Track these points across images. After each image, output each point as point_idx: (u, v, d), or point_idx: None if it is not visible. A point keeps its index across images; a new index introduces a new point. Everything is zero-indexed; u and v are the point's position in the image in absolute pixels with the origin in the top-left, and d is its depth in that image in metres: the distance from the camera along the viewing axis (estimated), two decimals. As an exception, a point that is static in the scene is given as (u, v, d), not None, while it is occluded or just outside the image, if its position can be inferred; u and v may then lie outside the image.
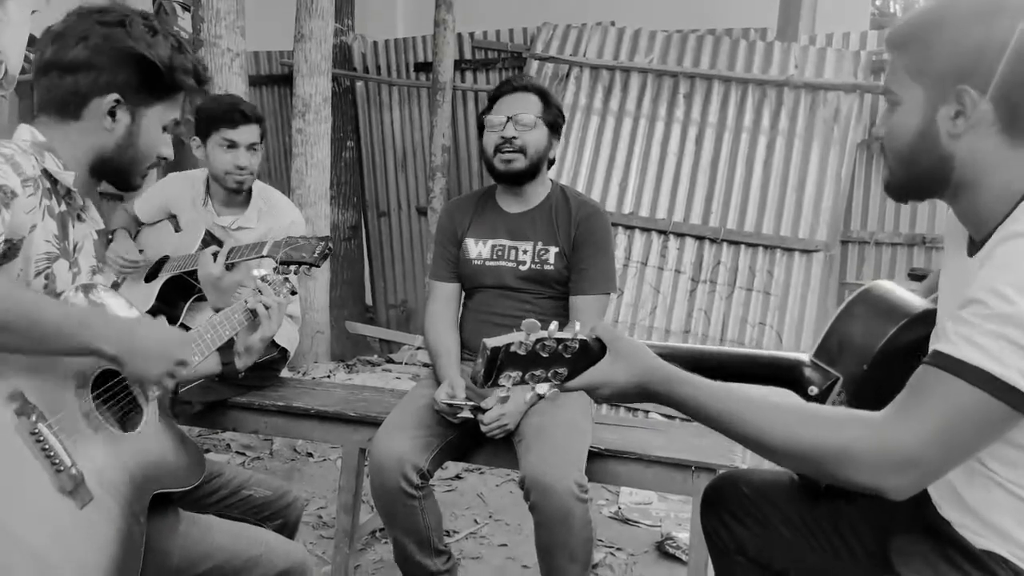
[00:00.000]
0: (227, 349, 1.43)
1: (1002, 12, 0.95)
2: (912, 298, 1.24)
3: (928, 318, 1.15)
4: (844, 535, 1.25)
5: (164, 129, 1.26)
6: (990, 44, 0.94)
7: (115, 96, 1.18)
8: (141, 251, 2.30)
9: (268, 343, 1.49)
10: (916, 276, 3.25)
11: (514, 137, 1.97)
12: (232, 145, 2.20)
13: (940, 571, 1.03)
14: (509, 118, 1.98)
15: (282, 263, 1.69)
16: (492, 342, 0.98)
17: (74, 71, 1.16)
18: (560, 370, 1.03)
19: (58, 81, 1.17)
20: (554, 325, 1.02)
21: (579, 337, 1.02)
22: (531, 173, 2.01)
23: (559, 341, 1.01)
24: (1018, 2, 0.95)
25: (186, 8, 3.80)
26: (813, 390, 1.20)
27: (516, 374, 1.00)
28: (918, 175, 1.04)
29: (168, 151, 1.29)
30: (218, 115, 2.20)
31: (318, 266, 1.73)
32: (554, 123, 2.03)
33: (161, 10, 3.71)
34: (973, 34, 0.95)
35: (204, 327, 1.36)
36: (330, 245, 1.76)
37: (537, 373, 1.02)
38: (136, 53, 1.17)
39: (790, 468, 1.10)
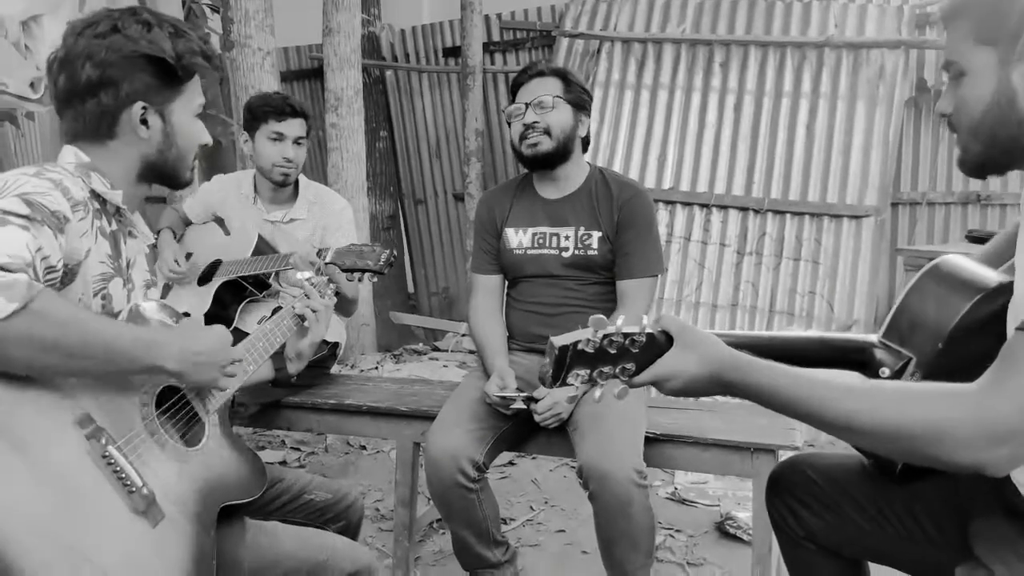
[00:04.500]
0: (278, 355, 1.45)
1: None
2: (984, 271, 1.18)
3: (1004, 290, 1.10)
4: (919, 519, 1.21)
5: (196, 118, 1.26)
6: None
7: (141, 104, 1.18)
8: (189, 254, 2.34)
9: (317, 345, 1.50)
10: (976, 239, 3.14)
11: (536, 121, 1.95)
12: (279, 137, 2.24)
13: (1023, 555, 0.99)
14: (528, 104, 1.96)
15: (347, 270, 1.70)
16: (560, 340, 0.96)
17: (94, 93, 1.16)
18: (628, 365, 1.00)
19: (82, 107, 1.17)
20: (620, 320, 1.00)
21: (647, 330, 1.00)
22: (561, 154, 1.98)
23: (626, 336, 0.98)
24: None
25: (215, 10, 3.83)
26: (885, 372, 1.16)
27: (584, 372, 0.98)
28: (999, 146, 0.99)
29: (207, 137, 1.29)
30: (267, 109, 2.25)
31: (383, 274, 1.75)
32: (578, 101, 1.99)
33: (191, 13, 3.73)
34: None
35: (256, 336, 1.37)
36: (395, 253, 1.78)
37: (605, 370, 0.99)
38: (142, 54, 1.16)
39: (881, 452, 1.05)
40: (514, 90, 2.04)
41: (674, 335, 1.01)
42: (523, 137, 1.98)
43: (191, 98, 1.24)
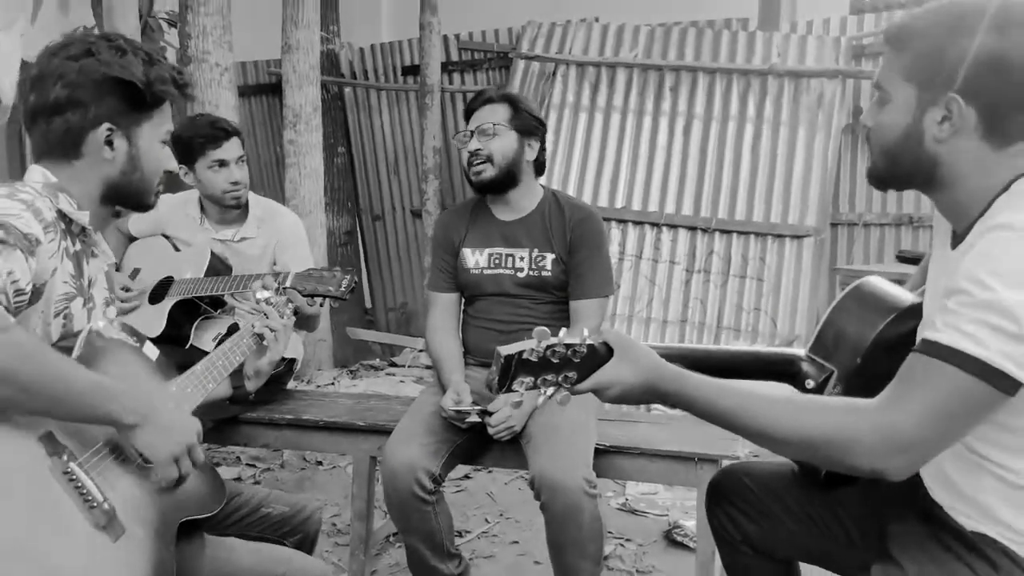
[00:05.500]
0: (236, 373, 1.47)
1: (986, 24, 0.98)
2: (900, 292, 1.29)
3: (916, 311, 1.21)
4: (843, 522, 1.31)
5: (164, 144, 1.29)
6: (977, 55, 0.98)
7: (107, 125, 1.21)
8: (137, 269, 2.32)
9: (276, 363, 1.53)
10: (905, 259, 3.32)
11: (479, 149, 2.02)
12: (223, 164, 2.22)
13: (933, 554, 1.09)
14: (472, 132, 2.04)
15: (308, 295, 1.72)
16: (505, 350, 1.03)
17: (61, 111, 1.19)
18: (570, 374, 1.07)
19: (49, 125, 1.20)
20: (563, 332, 1.07)
21: (587, 342, 1.07)
22: (507, 180, 2.04)
23: (568, 346, 1.06)
24: (999, 15, 0.99)
25: (172, 24, 3.82)
26: (810, 383, 1.25)
27: (529, 379, 1.05)
28: (901, 170, 1.09)
29: (172, 164, 1.31)
30: (200, 138, 2.21)
31: (345, 299, 1.77)
32: (525, 127, 2.05)
33: (147, 27, 3.72)
34: (964, 43, 0.99)
35: (215, 355, 1.40)
36: (356, 278, 1.80)
37: (548, 378, 1.06)
38: (112, 77, 1.19)
39: (795, 458, 1.15)
40: (467, 116, 2.11)
41: (614, 347, 1.09)
42: (469, 163, 2.05)
43: (159, 124, 1.27)
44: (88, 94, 1.19)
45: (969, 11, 1.00)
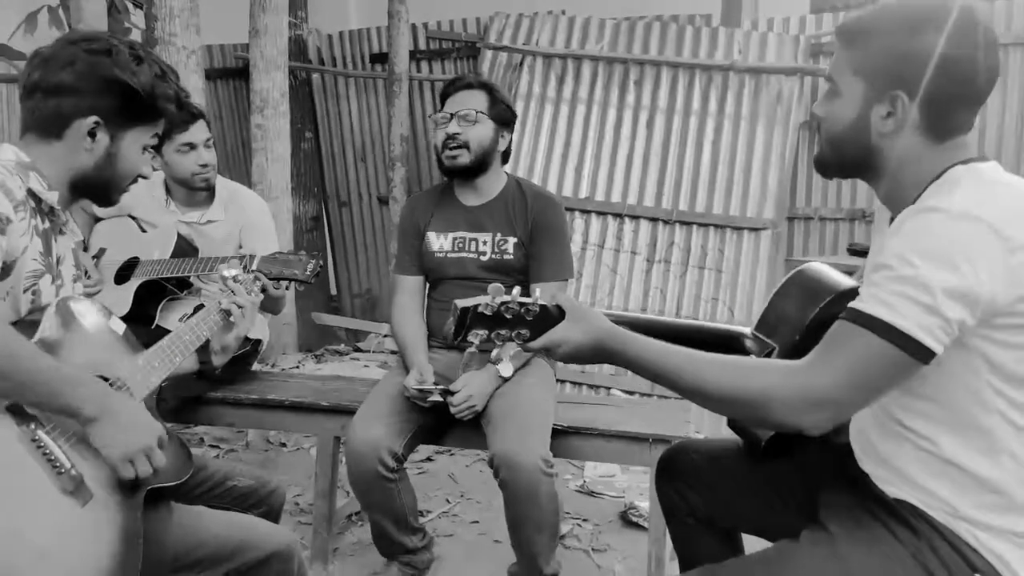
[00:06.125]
0: (203, 349, 1.51)
1: (932, 26, 1.06)
2: (840, 277, 1.38)
3: (852, 294, 1.29)
4: (781, 491, 1.39)
5: (144, 150, 1.32)
6: (922, 55, 1.06)
7: (95, 118, 1.24)
8: (103, 249, 2.32)
9: (242, 340, 1.57)
10: (855, 251, 3.46)
11: (457, 133, 2.05)
12: (191, 147, 2.23)
13: (859, 520, 1.17)
14: (453, 115, 2.06)
15: (273, 279, 1.75)
16: (462, 303, 1.11)
17: (58, 94, 1.22)
18: (523, 331, 1.15)
19: (42, 103, 1.23)
20: (516, 290, 1.14)
21: (540, 302, 1.15)
22: (478, 167, 2.09)
23: (521, 304, 1.13)
24: (944, 18, 1.06)
25: (138, 5, 3.77)
26: (753, 359, 1.34)
27: (483, 332, 1.12)
28: (846, 160, 1.17)
29: (147, 170, 1.35)
30: (167, 123, 2.23)
31: (310, 283, 1.80)
32: (501, 117, 2.10)
33: (113, 7, 3.67)
34: (911, 43, 1.06)
35: (182, 329, 1.43)
36: (321, 262, 1.83)
37: (503, 332, 1.14)
38: (120, 80, 1.23)
39: (726, 413, 1.22)
40: (443, 98, 2.13)
41: (566, 309, 1.16)
42: (445, 146, 2.08)
43: (147, 134, 1.31)
44: (90, 86, 1.23)
45: (920, 14, 1.08)
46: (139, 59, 1.26)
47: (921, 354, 1.01)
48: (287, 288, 1.86)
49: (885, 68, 1.08)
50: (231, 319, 1.52)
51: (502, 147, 2.14)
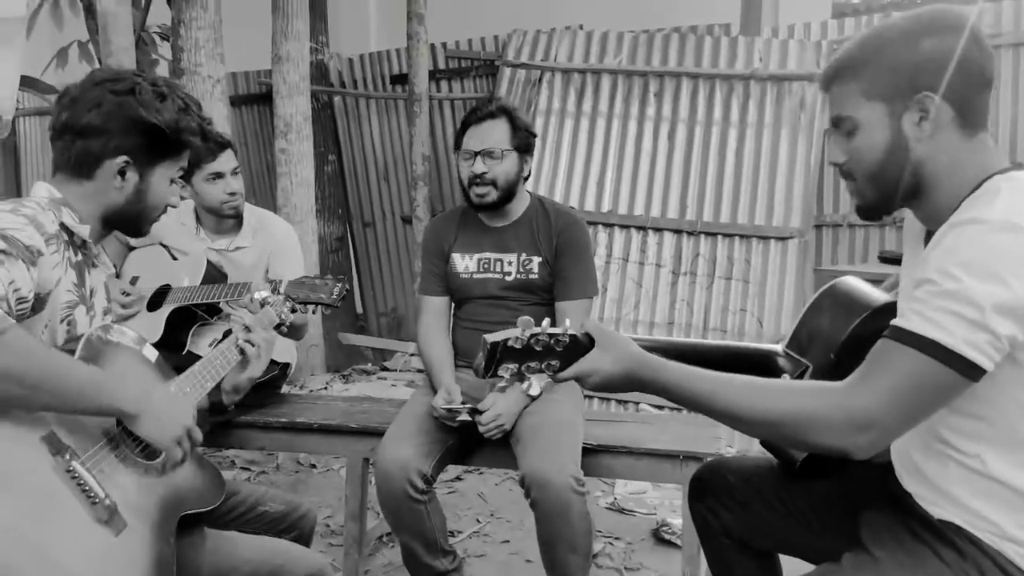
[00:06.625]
0: (215, 387, 1.49)
1: (945, 26, 1.07)
2: (874, 292, 1.35)
3: (889, 310, 1.26)
4: (819, 511, 1.36)
5: (172, 182, 1.35)
6: (939, 53, 1.06)
7: (124, 158, 1.27)
8: (136, 277, 2.37)
9: (254, 381, 1.55)
10: (887, 259, 3.39)
11: (484, 172, 2.05)
12: (219, 176, 2.28)
13: (902, 541, 1.14)
14: (477, 153, 2.06)
15: (301, 303, 1.76)
16: (491, 338, 1.09)
17: (87, 136, 1.26)
18: (553, 362, 1.13)
19: (72, 144, 1.26)
20: (546, 322, 1.13)
21: (569, 332, 1.13)
22: (506, 200, 2.10)
23: (551, 336, 1.12)
24: (952, 17, 1.08)
25: (164, 37, 3.86)
26: (786, 378, 1.31)
27: (513, 366, 1.11)
28: (890, 187, 1.12)
29: (176, 200, 1.38)
30: (196, 155, 2.25)
31: (337, 307, 1.81)
32: (523, 145, 2.09)
33: (140, 40, 3.76)
34: (924, 47, 1.06)
35: (199, 366, 1.43)
36: (348, 286, 1.84)
37: (532, 365, 1.12)
38: (145, 120, 1.26)
39: (765, 438, 1.19)
40: (464, 127, 2.12)
41: (595, 337, 1.14)
42: (471, 182, 2.08)
43: (174, 165, 1.35)
44: (117, 127, 1.26)
45: (918, 24, 1.08)
46: (162, 96, 1.29)
47: (970, 372, 0.98)
48: (314, 312, 1.87)
49: (901, 78, 1.07)
50: (246, 358, 1.51)
51: (525, 173, 2.14)
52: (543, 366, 1.12)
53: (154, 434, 1.21)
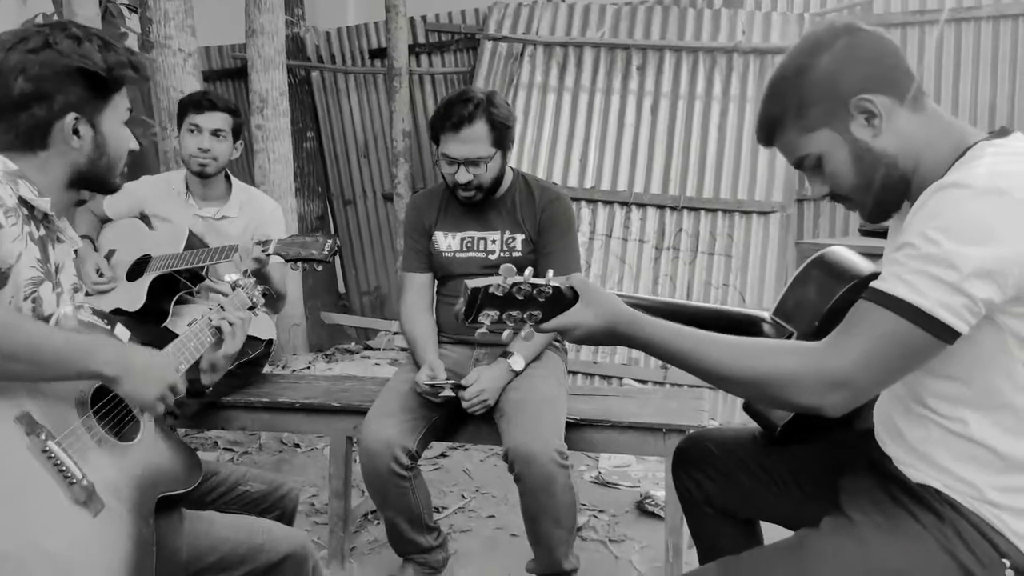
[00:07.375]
0: (192, 367, 1.46)
1: (826, 38, 1.11)
2: (863, 262, 1.35)
3: (875, 279, 1.26)
4: (798, 478, 1.37)
5: (124, 125, 1.30)
6: (838, 60, 1.09)
7: (73, 115, 1.22)
8: (112, 251, 2.34)
9: (233, 359, 1.53)
10: (867, 232, 3.40)
11: (469, 180, 2.00)
12: (196, 129, 2.30)
13: (881, 505, 1.15)
14: (460, 164, 1.99)
15: (292, 260, 1.75)
16: (472, 283, 1.08)
17: (27, 105, 1.19)
18: (535, 312, 1.12)
19: (15, 120, 1.20)
20: (529, 271, 1.12)
21: (552, 283, 1.11)
22: (492, 193, 2.08)
23: (534, 286, 1.10)
24: (824, 28, 1.12)
25: (133, 9, 3.76)
26: (769, 340, 1.31)
27: (494, 313, 1.10)
28: (879, 188, 1.12)
29: (135, 144, 1.33)
30: (187, 102, 2.34)
31: (329, 263, 1.80)
32: (503, 141, 2.02)
33: (107, 12, 3.66)
34: (823, 64, 1.09)
35: (173, 347, 1.40)
36: (338, 242, 1.83)
37: (514, 314, 1.11)
38: (74, 67, 1.20)
39: (742, 395, 1.20)
40: (441, 128, 1.99)
41: (579, 291, 1.13)
42: (456, 186, 2.04)
43: (119, 106, 1.29)
44: (52, 86, 1.20)
45: (798, 53, 1.13)
46: (78, 39, 1.22)
47: (945, 334, 0.99)
48: (305, 269, 1.88)
49: (827, 99, 1.09)
50: (221, 336, 1.48)
51: (509, 161, 2.11)
52: (525, 315, 1.11)
53: (137, 393, 1.20)
